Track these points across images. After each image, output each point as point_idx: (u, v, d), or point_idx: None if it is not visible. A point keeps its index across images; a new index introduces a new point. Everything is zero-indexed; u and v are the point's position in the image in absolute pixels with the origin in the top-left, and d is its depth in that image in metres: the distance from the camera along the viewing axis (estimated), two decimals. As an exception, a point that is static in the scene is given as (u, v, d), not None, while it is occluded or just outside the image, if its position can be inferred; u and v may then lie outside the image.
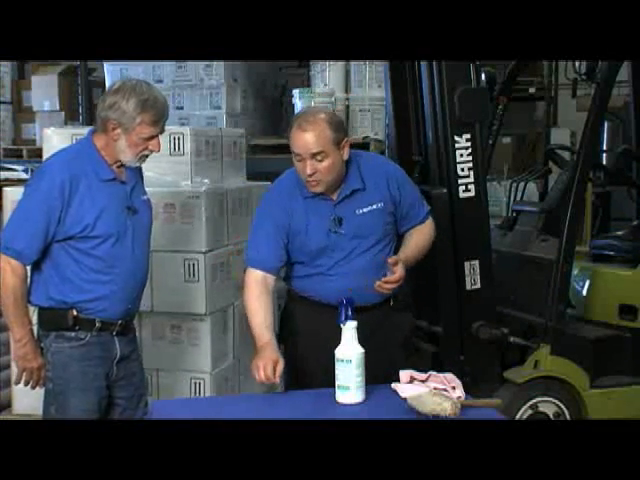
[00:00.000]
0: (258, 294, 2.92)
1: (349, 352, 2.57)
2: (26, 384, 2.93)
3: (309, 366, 3.01)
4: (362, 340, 2.63)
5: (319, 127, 2.78)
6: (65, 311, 2.85)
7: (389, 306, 3.03)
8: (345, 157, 2.88)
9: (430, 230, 3.15)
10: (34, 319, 2.94)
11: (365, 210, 2.93)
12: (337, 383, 2.60)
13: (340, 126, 2.87)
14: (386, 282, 2.85)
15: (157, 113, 2.82)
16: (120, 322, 2.92)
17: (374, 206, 2.94)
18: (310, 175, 2.82)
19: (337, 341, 2.66)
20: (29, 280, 2.90)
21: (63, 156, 2.92)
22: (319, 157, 2.79)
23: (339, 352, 2.58)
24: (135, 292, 2.98)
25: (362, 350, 2.58)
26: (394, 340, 3.06)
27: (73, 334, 2.86)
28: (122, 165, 2.91)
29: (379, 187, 2.96)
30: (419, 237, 3.09)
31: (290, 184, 2.98)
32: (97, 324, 2.87)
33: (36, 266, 2.88)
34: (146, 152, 2.87)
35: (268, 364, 2.71)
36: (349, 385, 2.57)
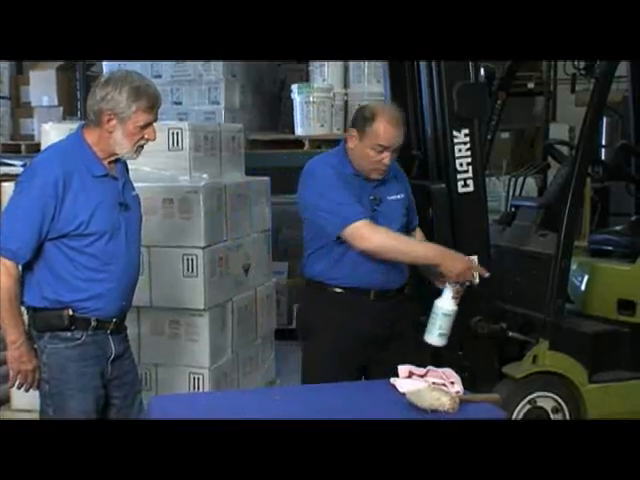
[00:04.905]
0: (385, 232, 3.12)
1: (452, 307, 3.05)
2: (20, 387, 2.86)
3: (338, 361, 3.09)
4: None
5: (402, 124, 3.10)
6: (60, 311, 2.79)
7: (403, 293, 3.25)
8: None
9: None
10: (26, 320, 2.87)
11: (392, 198, 3.20)
12: (438, 331, 3.03)
13: None
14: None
15: (151, 99, 2.80)
16: (114, 320, 2.88)
17: (399, 195, 3.23)
18: (387, 165, 3.09)
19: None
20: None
21: (54, 152, 2.86)
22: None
23: (445, 304, 3.04)
24: (129, 289, 2.94)
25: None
26: (409, 329, 3.28)
27: (69, 334, 2.80)
28: (113, 161, 2.87)
29: (401, 180, 3.30)
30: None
31: (338, 167, 3.14)
32: (93, 323, 2.82)
33: (28, 266, 2.81)
34: (142, 142, 2.84)
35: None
36: (446, 333, 3.04)
